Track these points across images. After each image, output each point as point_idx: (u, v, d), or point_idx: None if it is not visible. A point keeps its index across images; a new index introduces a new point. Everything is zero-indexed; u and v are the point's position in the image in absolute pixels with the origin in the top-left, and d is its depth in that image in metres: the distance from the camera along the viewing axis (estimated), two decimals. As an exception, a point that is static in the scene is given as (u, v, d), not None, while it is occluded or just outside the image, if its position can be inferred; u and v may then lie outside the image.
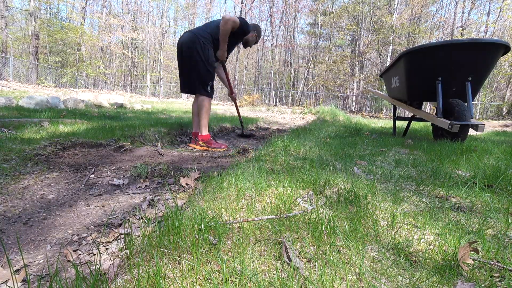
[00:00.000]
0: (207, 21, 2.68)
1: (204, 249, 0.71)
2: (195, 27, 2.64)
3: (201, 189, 1.24)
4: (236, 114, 5.98)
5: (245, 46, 2.85)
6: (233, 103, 3.63)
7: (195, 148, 2.55)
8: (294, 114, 9.59)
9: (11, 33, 17.25)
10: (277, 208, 0.96)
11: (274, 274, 0.63)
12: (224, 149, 2.54)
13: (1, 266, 0.84)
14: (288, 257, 0.67)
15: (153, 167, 1.71)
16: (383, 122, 7.19)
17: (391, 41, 16.94)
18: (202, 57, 2.44)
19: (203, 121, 2.56)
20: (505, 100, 14.78)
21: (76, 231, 1.08)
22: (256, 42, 2.88)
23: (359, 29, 17.67)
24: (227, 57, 2.70)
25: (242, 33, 2.59)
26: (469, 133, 2.92)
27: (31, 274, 0.81)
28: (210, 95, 2.56)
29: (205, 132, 2.57)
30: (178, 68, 2.67)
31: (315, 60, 21.56)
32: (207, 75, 2.51)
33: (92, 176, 1.61)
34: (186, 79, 2.59)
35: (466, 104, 2.50)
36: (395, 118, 3.51)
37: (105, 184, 1.53)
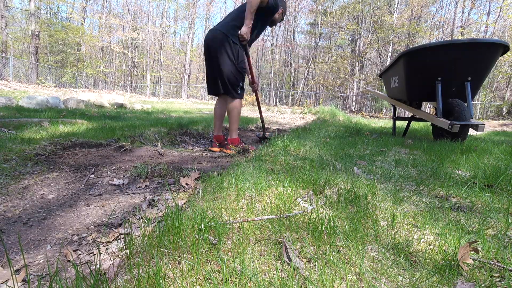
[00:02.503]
0: (225, 15, 2.48)
1: (204, 249, 0.71)
2: (219, 22, 2.41)
3: (201, 189, 1.24)
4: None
5: (271, 25, 2.59)
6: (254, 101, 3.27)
7: (223, 152, 2.43)
8: (294, 114, 9.58)
9: (11, 33, 17.24)
10: (277, 208, 0.96)
11: (274, 274, 0.63)
12: (252, 153, 2.40)
13: (1, 266, 0.84)
14: (288, 257, 0.67)
15: (153, 167, 1.71)
16: (383, 122, 7.19)
17: (391, 41, 16.94)
18: (232, 58, 2.29)
19: (234, 124, 2.45)
20: (505, 100, 14.78)
21: (76, 231, 1.08)
22: (282, 19, 2.63)
23: (359, 29, 17.67)
24: (254, 40, 2.50)
25: (271, 11, 2.35)
26: (469, 133, 2.92)
27: (31, 274, 0.81)
28: (241, 96, 2.44)
29: (235, 135, 2.48)
30: (206, 69, 2.49)
31: (315, 60, 21.56)
32: (238, 76, 2.36)
33: (92, 176, 1.61)
34: (215, 82, 2.41)
35: (465, 104, 2.50)
36: (395, 118, 3.50)
37: (105, 184, 1.53)
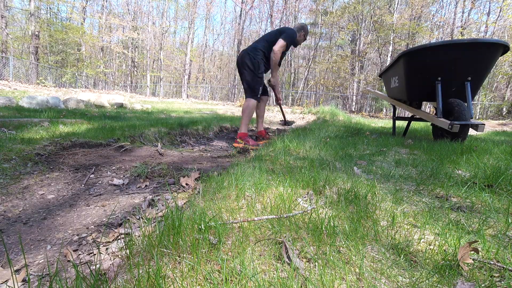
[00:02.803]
0: (260, 39, 3.09)
1: (204, 249, 0.71)
2: (252, 44, 3.07)
3: (201, 189, 1.24)
4: (237, 114, 5.99)
5: (295, 46, 3.24)
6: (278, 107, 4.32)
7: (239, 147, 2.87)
8: (294, 114, 9.58)
9: (11, 33, 17.24)
10: (277, 208, 0.96)
11: (274, 274, 0.63)
12: (256, 147, 2.73)
13: (1, 266, 0.84)
14: (288, 257, 0.67)
15: (153, 167, 1.71)
16: (383, 122, 7.19)
17: (391, 40, 16.93)
18: (252, 69, 2.88)
19: (244, 119, 2.87)
20: (505, 100, 14.77)
21: (76, 231, 1.08)
22: (305, 39, 3.28)
23: (359, 28, 17.66)
24: (280, 64, 3.21)
25: (290, 44, 3.02)
26: (469, 133, 2.92)
27: (31, 274, 0.81)
28: (257, 98, 2.95)
29: (244, 130, 2.86)
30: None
31: (315, 60, 21.55)
32: (257, 83, 2.93)
33: (92, 176, 1.61)
34: (244, 86, 3.01)
35: (465, 104, 2.50)
36: (395, 118, 3.50)
37: (105, 184, 1.53)
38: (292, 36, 2.95)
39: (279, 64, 3.19)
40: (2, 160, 1.57)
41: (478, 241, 0.73)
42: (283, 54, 3.10)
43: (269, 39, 2.96)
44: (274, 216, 0.88)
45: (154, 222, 1.04)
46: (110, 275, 0.67)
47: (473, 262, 0.66)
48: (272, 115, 9.04)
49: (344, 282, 0.60)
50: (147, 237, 0.75)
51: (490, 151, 2.02)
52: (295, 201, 1.02)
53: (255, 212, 0.95)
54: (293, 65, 24.70)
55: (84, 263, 0.86)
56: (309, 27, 3.42)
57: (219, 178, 1.31)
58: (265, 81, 3.31)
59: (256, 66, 2.90)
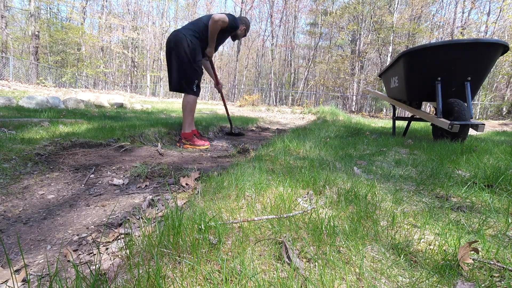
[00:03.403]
0: (194, 21, 2.69)
1: (204, 249, 0.71)
2: (183, 25, 2.65)
3: (201, 189, 1.24)
4: (236, 114, 5.92)
5: (233, 39, 2.89)
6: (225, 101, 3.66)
7: (182, 148, 2.56)
8: (294, 114, 9.59)
9: (11, 33, 17.24)
10: (277, 208, 0.96)
11: (274, 274, 0.63)
12: (207, 146, 2.58)
13: (1, 266, 0.84)
14: (288, 257, 0.67)
15: (153, 167, 1.71)
16: (383, 122, 7.19)
17: (391, 41, 16.93)
18: (188, 56, 2.46)
19: (187, 119, 2.59)
20: (505, 100, 14.77)
21: (76, 231, 1.08)
22: (245, 35, 2.92)
23: (359, 29, 17.66)
24: (215, 51, 2.79)
25: (231, 29, 2.65)
26: (469, 133, 2.92)
27: (31, 274, 0.81)
28: (196, 93, 2.59)
29: (188, 130, 2.60)
30: (166, 67, 2.69)
31: (315, 60, 21.55)
32: (193, 74, 2.53)
33: (92, 176, 1.61)
34: (174, 78, 2.58)
35: (465, 104, 2.50)
36: (395, 118, 3.50)
37: (105, 184, 1.53)
38: (235, 20, 2.61)
39: (216, 49, 2.79)
40: (2, 160, 1.57)
41: (478, 241, 0.73)
42: (220, 40, 2.73)
43: (206, 21, 2.54)
44: (274, 216, 0.88)
45: (154, 222, 1.04)
46: (110, 275, 0.67)
47: (473, 262, 0.66)
48: (272, 115, 9.04)
49: (344, 282, 0.60)
50: (147, 237, 0.75)
51: (490, 151, 2.02)
52: (295, 201, 1.02)
53: (255, 212, 0.95)
54: (293, 65, 24.71)
55: (84, 263, 0.86)
56: (250, 24, 3.02)
57: (219, 178, 1.31)
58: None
59: (193, 53, 2.46)
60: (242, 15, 2.93)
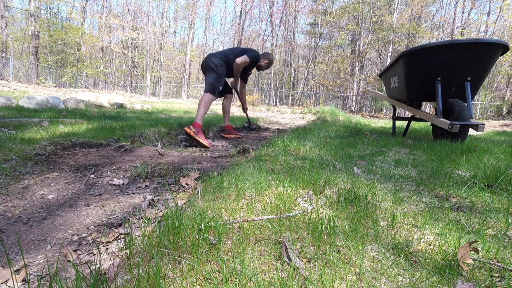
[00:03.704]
0: (227, 49, 3.40)
1: (204, 249, 0.71)
2: (218, 51, 3.38)
3: (201, 189, 1.24)
4: (236, 114, 6.01)
5: (258, 70, 3.68)
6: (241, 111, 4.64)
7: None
8: (294, 114, 9.59)
9: (11, 33, 17.23)
10: (277, 208, 0.96)
11: (274, 274, 0.63)
12: (206, 144, 2.80)
13: (1, 266, 0.84)
14: (288, 257, 0.67)
15: (153, 167, 1.71)
16: (383, 122, 7.19)
17: (391, 41, 16.93)
18: (215, 69, 3.11)
19: (200, 111, 2.95)
20: (505, 100, 14.77)
21: (76, 231, 1.08)
22: (268, 68, 3.67)
23: (359, 29, 17.66)
24: (245, 82, 3.72)
25: (253, 64, 3.45)
26: (469, 133, 2.92)
27: (31, 274, 0.81)
28: (215, 95, 3.13)
29: (199, 121, 2.91)
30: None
31: (315, 60, 21.55)
32: (218, 81, 3.14)
33: (92, 176, 1.61)
34: (205, 85, 3.22)
35: (465, 104, 2.50)
36: (395, 118, 3.50)
37: (105, 184, 1.53)
38: (256, 58, 3.33)
39: (245, 81, 3.67)
40: (2, 160, 1.57)
41: (478, 241, 0.73)
42: (247, 72, 3.54)
43: (235, 53, 3.31)
44: (274, 216, 0.88)
45: (154, 222, 1.04)
46: (110, 275, 0.67)
47: (473, 262, 0.66)
48: (272, 115, 9.04)
49: (344, 282, 0.60)
50: (147, 237, 0.75)
51: (490, 151, 2.02)
52: (295, 201, 1.02)
53: (255, 212, 0.95)
54: (293, 65, 24.70)
55: (84, 263, 0.86)
56: (272, 57, 3.81)
57: (219, 178, 1.31)
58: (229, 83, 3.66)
59: (219, 68, 3.16)
60: (266, 52, 3.69)
